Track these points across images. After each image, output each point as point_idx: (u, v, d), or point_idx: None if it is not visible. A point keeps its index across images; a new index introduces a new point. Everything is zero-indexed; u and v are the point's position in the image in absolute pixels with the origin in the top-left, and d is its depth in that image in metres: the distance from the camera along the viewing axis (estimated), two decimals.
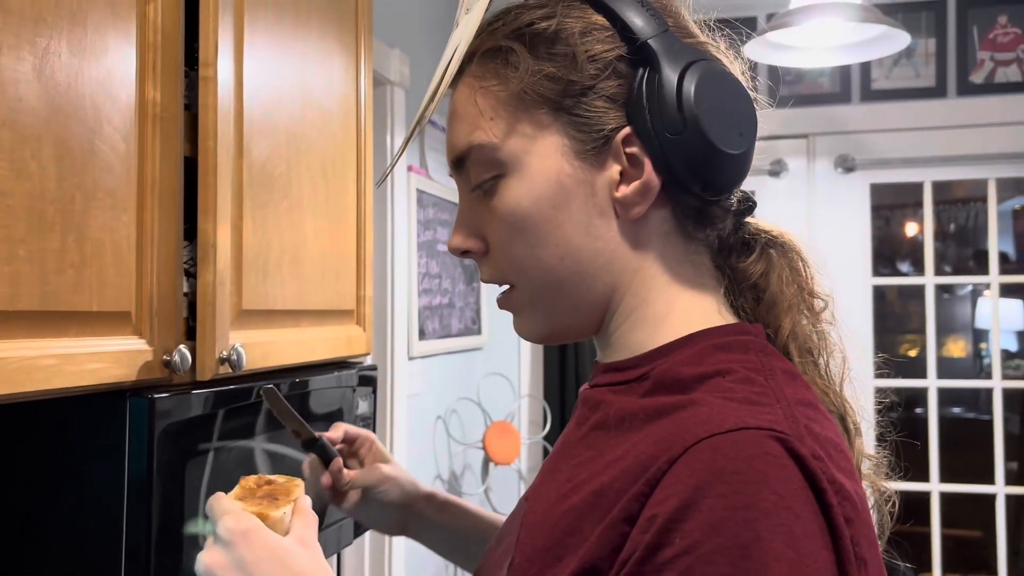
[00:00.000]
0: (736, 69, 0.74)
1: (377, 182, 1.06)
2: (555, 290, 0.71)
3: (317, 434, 1.00)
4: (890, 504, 0.76)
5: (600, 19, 0.69)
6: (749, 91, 0.71)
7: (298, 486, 0.82)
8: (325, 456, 1.00)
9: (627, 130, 0.68)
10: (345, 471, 1.00)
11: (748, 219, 0.76)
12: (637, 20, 0.68)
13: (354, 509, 1.03)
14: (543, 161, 0.69)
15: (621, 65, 0.68)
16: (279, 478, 0.83)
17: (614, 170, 0.69)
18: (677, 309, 0.70)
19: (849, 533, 0.57)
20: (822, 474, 0.57)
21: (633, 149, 0.68)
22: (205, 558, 0.70)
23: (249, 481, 0.82)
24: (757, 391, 0.62)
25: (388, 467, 1.02)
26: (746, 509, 0.54)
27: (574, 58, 0.68)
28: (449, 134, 0.74)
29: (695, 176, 0.67)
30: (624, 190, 0.68)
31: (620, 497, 0.60)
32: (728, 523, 0.54)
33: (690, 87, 0.66)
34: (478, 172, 0.71)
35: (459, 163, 0.73)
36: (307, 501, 0.79)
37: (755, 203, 0.76)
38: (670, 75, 0.66)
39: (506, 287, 0.74)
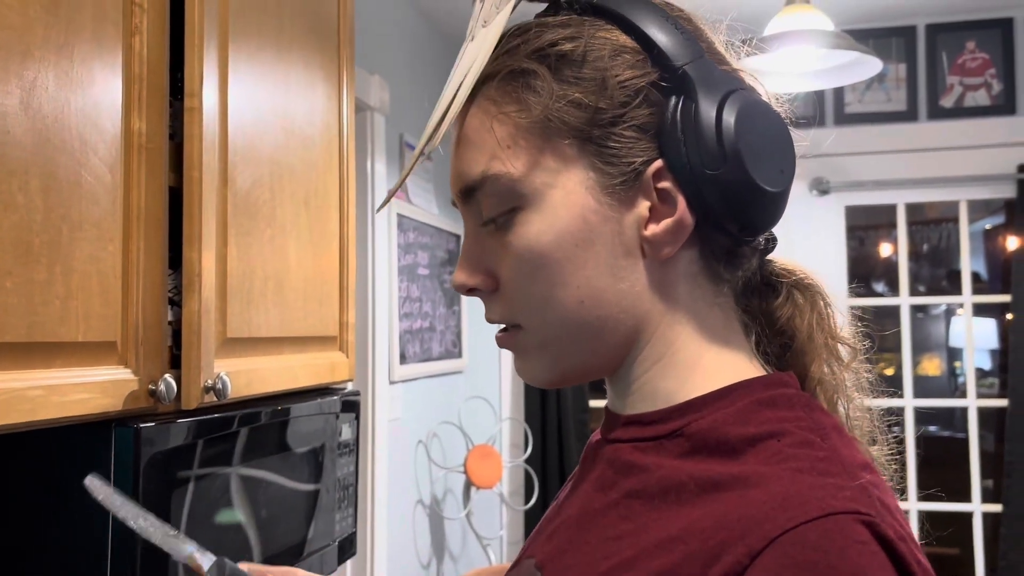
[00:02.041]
0: (771, 99, 0.68)
1: (378, 208, 1.02)
2: (572, 334, 0.64)
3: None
4: None
5: (629, 41, 0.63)
6: (787, 124, 0.65)
7: None
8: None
9: (659, 163, 0.62)
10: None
11: (768, 257, 0.70)
12: (671, 45, 0.62)
13: None
14: (567, 196, 0.62)
15: (653, 92, 0.62)
16: None
17: (643, 207, 0.62)
18: (707, 357, 0.65)
19: None
20: (911, 557, 0.53)
21: (665, 184, 0.62)
22: None
23: None
24: (820, 457, 0.58)
25: None
26: None
27: (603, 83, 0.61)
28: (457, 162, 0.66)
29: (734, 215, 0.61)
30: (654, 228, 0.62)
31: None
32: None
33: (730, 119, 0.60)
34: (492, 205, 0.64)
35: (468, 193, 0.66)
36: None
37: (776, 240, 0.70)
38: (708, 105, 0.60)
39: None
